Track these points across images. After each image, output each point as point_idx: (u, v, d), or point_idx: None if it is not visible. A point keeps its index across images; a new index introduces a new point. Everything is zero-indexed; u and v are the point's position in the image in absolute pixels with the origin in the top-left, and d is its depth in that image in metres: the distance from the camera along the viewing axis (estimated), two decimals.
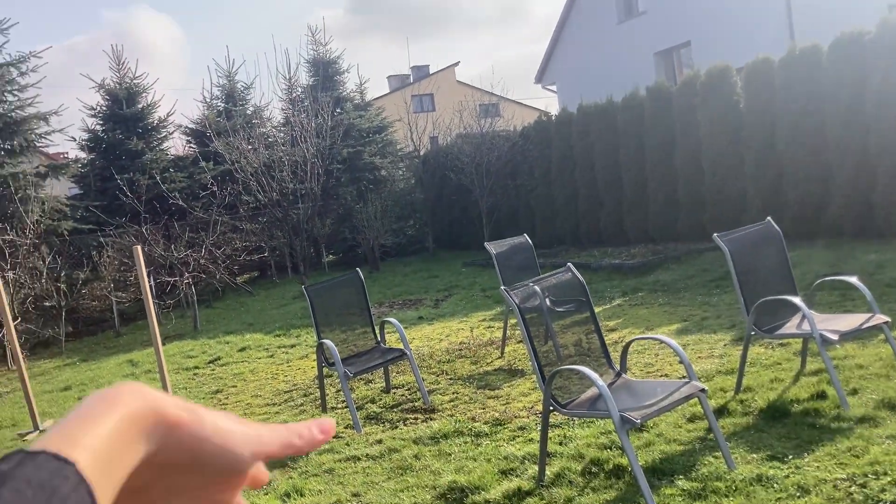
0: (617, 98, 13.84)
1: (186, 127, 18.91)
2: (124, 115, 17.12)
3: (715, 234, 5.08)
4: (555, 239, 15.03)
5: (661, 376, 5.84)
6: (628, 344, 4.52)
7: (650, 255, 11.74)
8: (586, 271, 11.48)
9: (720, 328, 7.01)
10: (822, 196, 10.50)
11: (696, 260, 10.81)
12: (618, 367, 4.43)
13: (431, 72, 42.12)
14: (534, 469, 4.33)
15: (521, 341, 7.44)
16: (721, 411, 4.78)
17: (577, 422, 4.98)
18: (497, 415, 5.53)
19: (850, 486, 3.51)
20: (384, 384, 6.85)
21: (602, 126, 13.82)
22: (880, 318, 4.68)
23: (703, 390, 3.94)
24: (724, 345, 6.41)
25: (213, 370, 9.15)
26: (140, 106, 17.49)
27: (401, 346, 6.27)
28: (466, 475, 4.39)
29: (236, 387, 8.04)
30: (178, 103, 39.07)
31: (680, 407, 4.60)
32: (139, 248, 7.48)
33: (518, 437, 5.00)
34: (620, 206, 13.72)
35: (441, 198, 18.51)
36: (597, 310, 8.67)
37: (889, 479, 3.49)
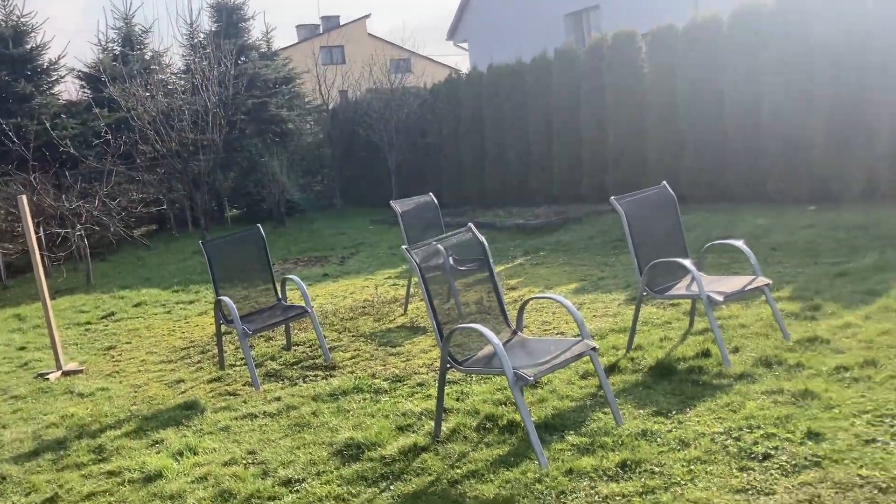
0: (526, 59, 13.90)
1: (80, 71, 17.90)
2: (11, 55, 16.06)
3: (612, 197, 5.20)
4: (462, 198, 15.10)
5: (557, 334, 5.99)
6: (525, 303, 4.60)
7: (553, 216, 11.96)
8: (491, 230, 11.61)
9: (616, 288, 7.23)
10: (719, 162, 10.90)
11: (597, 221, 11.08)
12: (514, 325, 4.51)
13: (342, 23, 41.22)
14: (430, 425, 4.39)
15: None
16: (612, 368, 4.95)
17: (474, 378, 5.06)
18: (397, 371, 5.57)
19: (727, 440, 3.70)
20: (285, 341, 6.78)
21: (511, 86, 13.88)
22: (762, 281, 4.92)
23: (594, 349, 4.06)
24: (619, 304, 6.62)
25: (106, 325, 8.85)
26: (28, 46, 16.43)
27: (303, 303, 6.20)
28: (363, 431, 4.41)
29: (131, 343, 7.81)
30: (70, 45, 37.08)
31: (573, 364, 4.73)
32: (24, 197, 7.09)
33: (417, 393, 5.05)
34: (527, 166, 13.87)
35: (350, 154, 18.28)
36: (499, 269, 8.82)
37: (762, 432, 3.70)
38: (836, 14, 9.48)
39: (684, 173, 11.17)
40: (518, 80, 13.79)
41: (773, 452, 3.49)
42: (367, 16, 41.52)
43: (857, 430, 3.58)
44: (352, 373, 5.70)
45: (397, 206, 7.71)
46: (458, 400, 4.75)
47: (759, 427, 3.76)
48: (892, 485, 3.08)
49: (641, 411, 4.21)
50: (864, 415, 3.73)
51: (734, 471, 3.40)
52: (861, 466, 3.25)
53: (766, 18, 10.18)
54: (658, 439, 3.81)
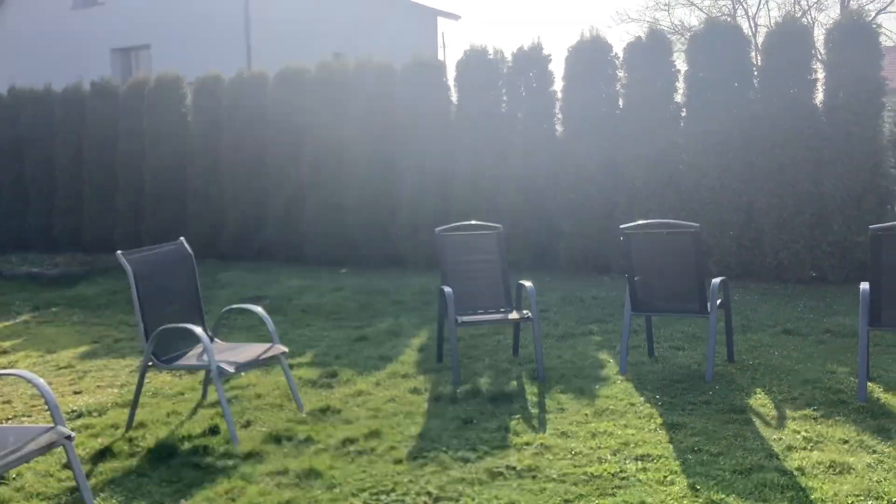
0: (60, 87, 12.41)
1: None
2: None
3: (119, 252, 4.58)
4: None
5: (24, 418, 4.95)
6: None
7: (77, 266, 10.62)
8: None
9: (132, 352, 6.43)
10: (259, 219, 10.77)
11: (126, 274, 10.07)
12: None
13: None
14: None
15: None
16: (105, 453, 4.21)
17: None
18: None
19: None
20: None
21: (36, 115, 12.24)
22: (278, 349, 4.68)
23: (68, 437, 3.33)
24: (131, 371, 5.85)
25: None
26: None
27: None
28: None
29: None
30: None
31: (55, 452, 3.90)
32: None
33: None
34: (51, 206, 12.27)
35: None
36: None
37: None
38: (367, 89, 10.05)
39: (225, 228, 10.85)
40: (45, 109, 12.21)
41: None
42: None
43: None
44: None
45: None
46: None
47: None
48: None
49: None
50: (363, 493, 3.61)
51: None
52: None
53: (309, 82, 10.45)
54: None
